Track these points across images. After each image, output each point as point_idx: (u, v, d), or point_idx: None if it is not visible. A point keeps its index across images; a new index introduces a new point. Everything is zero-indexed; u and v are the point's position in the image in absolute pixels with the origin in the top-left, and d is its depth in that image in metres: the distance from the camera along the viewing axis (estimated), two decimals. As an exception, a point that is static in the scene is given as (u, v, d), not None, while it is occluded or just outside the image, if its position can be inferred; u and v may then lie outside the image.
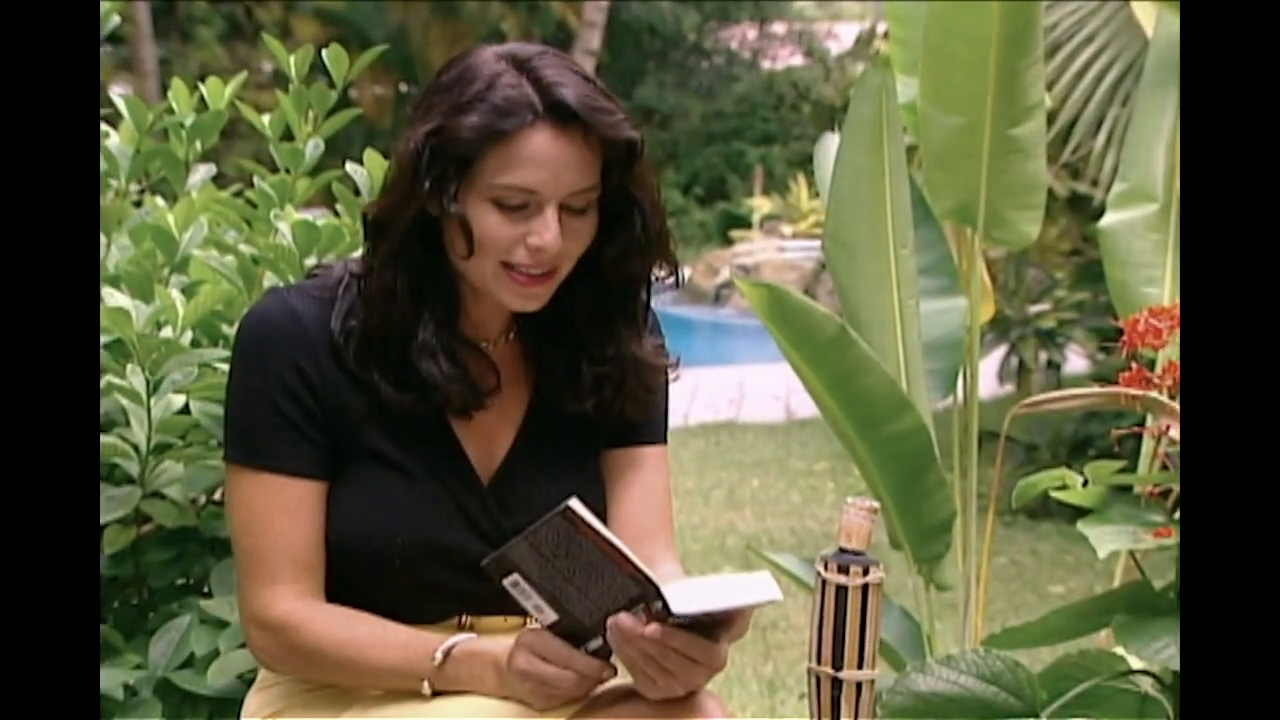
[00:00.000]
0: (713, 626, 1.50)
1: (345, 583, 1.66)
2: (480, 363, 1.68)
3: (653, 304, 1.75)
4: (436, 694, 1.59)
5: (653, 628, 1.46)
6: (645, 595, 1.47)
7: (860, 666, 1.54)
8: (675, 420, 1.84)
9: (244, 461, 1.64)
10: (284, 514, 1.63)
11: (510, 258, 1.60)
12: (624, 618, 1.48)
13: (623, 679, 1.57)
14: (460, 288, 1.67)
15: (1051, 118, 5.31)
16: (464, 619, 1.69)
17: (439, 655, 1.58)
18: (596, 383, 1.70)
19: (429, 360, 1.63)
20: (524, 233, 1.59)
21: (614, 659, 1.53)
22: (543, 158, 1.57)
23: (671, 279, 1.71)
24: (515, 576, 1.51)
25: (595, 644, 1.52)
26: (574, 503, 1.47)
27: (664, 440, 1.80)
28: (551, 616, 1.52)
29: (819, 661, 1.55)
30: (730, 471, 7.56)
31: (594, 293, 1.68)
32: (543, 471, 1.70)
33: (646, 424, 1.76)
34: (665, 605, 1.45)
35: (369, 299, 1.63)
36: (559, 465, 1.71)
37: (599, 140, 1.59)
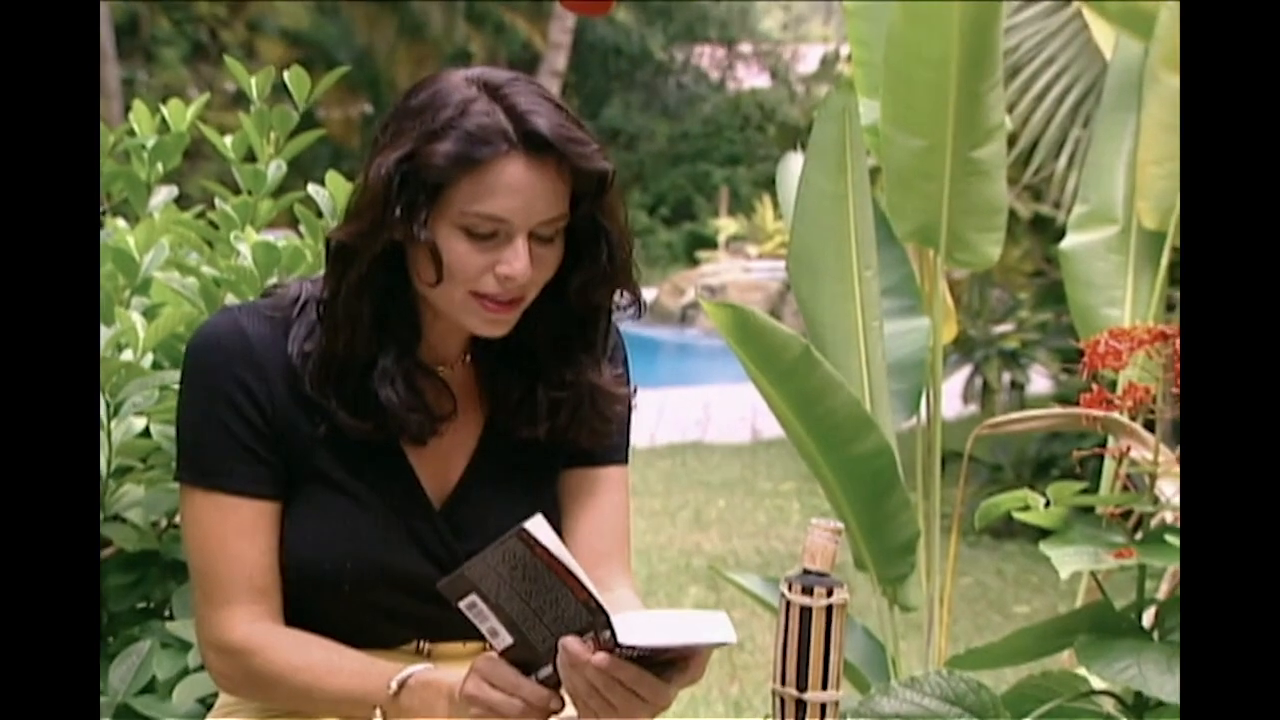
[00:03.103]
0: (664, 664, 1.48)
1: (300, 606, 1.64)
2: (437, 389, 1.66)
3: (620, 326, 1.74)
4: None
5: (600, 656, 1.44)
6: (595, 623, 1.45)
7: (824, 688, 1.54)
8: (641, 440, 1.82)
9: (195, 482, 1.63)
10: (238, 535, 1.62)
11: (479, 286, 1.59)
12: (572, 640, 1.46)
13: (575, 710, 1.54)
14: (421, 312, 1.65)
15: (1013, 140, 5.35)
16: (421, 644, 1.68)
17: (394, 685, 1.57)
18: (551, 408, 1.68)
19: (388, 387, 1.61)
20: (493, 261, 1.57)
21: (564, 690, 1.51)
22: (515, 187, 1.55)
23: (633, 308, 1.69)
24: (472, 598, 1.49)
25: (545, 672, 1.50)
26: (530, 524, 1.45)
27: (624, 461, 1.78)
28: (507, 640, 1.50)
29: (783, 683, 1.55)
30: (696, 492, 7.56)
31: (555, 319, 1.66)
32: (497, 495, 1.68)
33: (605, 446, 1.74)
34: (613, 634, 1.44)
35: (332, 325, 1.61)
36: (513, 489, 1.69)
37: (571, 170, 1.57)
